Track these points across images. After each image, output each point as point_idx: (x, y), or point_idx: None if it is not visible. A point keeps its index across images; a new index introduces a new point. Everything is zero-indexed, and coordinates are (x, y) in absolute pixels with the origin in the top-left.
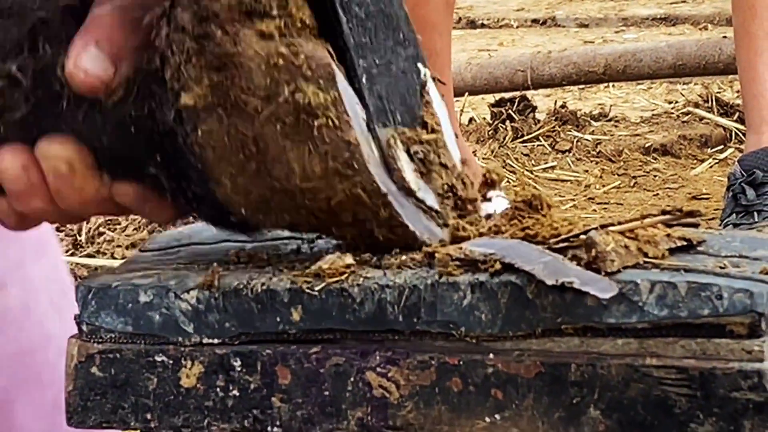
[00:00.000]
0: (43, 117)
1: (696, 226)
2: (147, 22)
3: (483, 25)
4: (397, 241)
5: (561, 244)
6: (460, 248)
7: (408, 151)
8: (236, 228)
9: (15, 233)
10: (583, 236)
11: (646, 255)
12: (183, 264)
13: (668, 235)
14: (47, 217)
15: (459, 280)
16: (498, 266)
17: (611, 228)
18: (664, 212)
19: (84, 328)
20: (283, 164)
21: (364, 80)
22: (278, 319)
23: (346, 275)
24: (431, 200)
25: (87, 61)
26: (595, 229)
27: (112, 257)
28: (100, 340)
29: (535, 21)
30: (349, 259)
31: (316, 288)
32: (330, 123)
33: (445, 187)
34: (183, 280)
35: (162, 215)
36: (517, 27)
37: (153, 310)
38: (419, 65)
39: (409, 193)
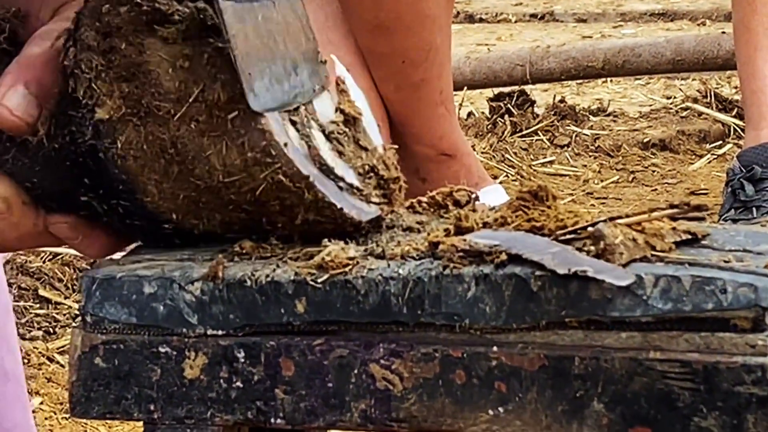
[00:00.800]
0: None
1: (703, 219)
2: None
3: (481, 20)
4: (326, 222)
5: (568, 236)
6: (465, 239)
7: (323, 132)
8: (173, 237)
9: None
10: (591, 228)
11: (653, 248)
12: (187, 255)
13: (674, 229)
14: None
15: (463, 272)
16: (503, 257)
17: (619, 221)
18: (671, 206)
19: (88, 318)
20: (204, 162)
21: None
22: (282, 311)
23: (350, 267)
24: (351, 177)
25: (13, 101)
26: (603, 221)
27: None
28: (104, 331)
29: (533, 16)
30: (352, 251)
31: (321, 280)
32: (242, 114)
33: (366, 167)
34: (187, 271)
35: (94, 246)
36: (515, 21)
37: (157, 302)
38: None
39: (328, 172)
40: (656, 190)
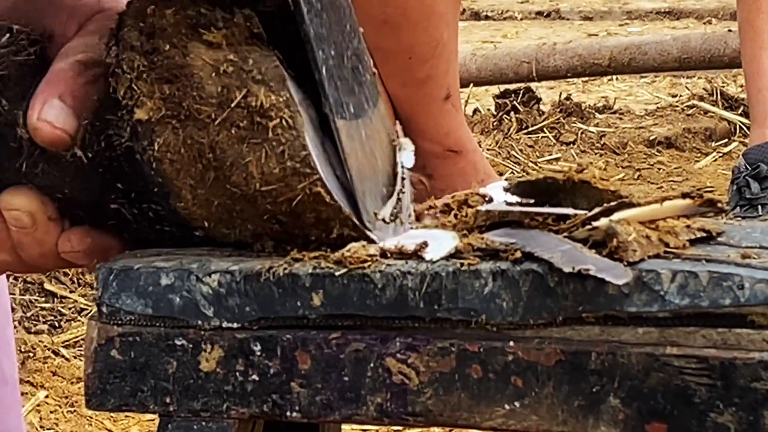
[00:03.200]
0: (2, 172)
1: (722, 211)
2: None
3: (487, 17)
4: (351, 239)
5: (581, 229)
6: (482, 238)
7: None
8: (202, 246)
9: None
10: (604, 225)
11: (667, 245)
12: (206, 249)
13: (688, 226)
14: (11, 269)
15: (480, 267)
16: (518, 255)
17: (631, 212)
18: (684, 195)
19: (104, 309)
20: (241, 169)
21: (324, 71)
22: (299, 304)
23: (369, 264)
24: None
25: (51, 114)
26: (616, 209)
27: None
28: (120, 323)
29: (539, 13)
30: (372, 249)
31: (338, 273)
32: (284, 123)
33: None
34: (205, 263)
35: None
36: (521, 19)
37: (174, 293)
38: (365, 57)
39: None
40: (662, 187)
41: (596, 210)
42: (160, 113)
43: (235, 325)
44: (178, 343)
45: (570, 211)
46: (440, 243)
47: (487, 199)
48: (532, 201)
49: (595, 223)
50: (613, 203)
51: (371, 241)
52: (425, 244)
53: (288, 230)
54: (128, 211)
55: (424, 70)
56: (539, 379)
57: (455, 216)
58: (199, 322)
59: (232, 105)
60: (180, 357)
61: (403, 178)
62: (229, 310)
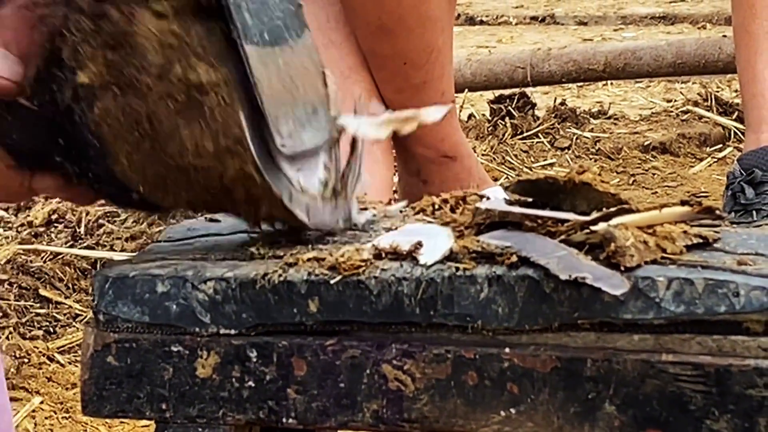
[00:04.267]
0: None
1: (720, 218)
2: (47, 14)
3: (482, 22)
4: (280, 217)
5: (580, 236)
6: (477, 241)
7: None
8: (138, 206)
9: None
10: (602, 230)
11: (664, 251)
12: (200, 255)
13: (685, 232)
14: None
15: (476, 273)
16: (514, 259)
17: (630, 218)
18: (682, 202)
19: (101, 317)
20: (176, 142)
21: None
22: (295, 311)
23: (363, 268)
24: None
25: None
26: (615, 215)
27: (112, 249)
28: (117, 330)
29: (533, 18)
30: (366, 253)
31: (334, 280)
32: (221, 101)
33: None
34: (200, 270)
35: (83, 198)
36: (516, 24)
37: (170, 300)
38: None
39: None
40: (656, 193)
41: (595, 215)
42: (102, 79)
43: (232, 331)
44: (175, 349)
45: (570, 215)
46: (435, 242)
47: (486, 197)
48: (531, 200)
49: (593, 228)
50: (612, 209)
51: (300, 222)
52: (420, 244)
53: (219, 202)
54: (70, 167)
55: (419, 75)
56: (535, 386)
57: (452, 210)
58: (196, 329)
59: (172, 77)
60: (176, 363)
61: (354, 150)
62: (226, 316)
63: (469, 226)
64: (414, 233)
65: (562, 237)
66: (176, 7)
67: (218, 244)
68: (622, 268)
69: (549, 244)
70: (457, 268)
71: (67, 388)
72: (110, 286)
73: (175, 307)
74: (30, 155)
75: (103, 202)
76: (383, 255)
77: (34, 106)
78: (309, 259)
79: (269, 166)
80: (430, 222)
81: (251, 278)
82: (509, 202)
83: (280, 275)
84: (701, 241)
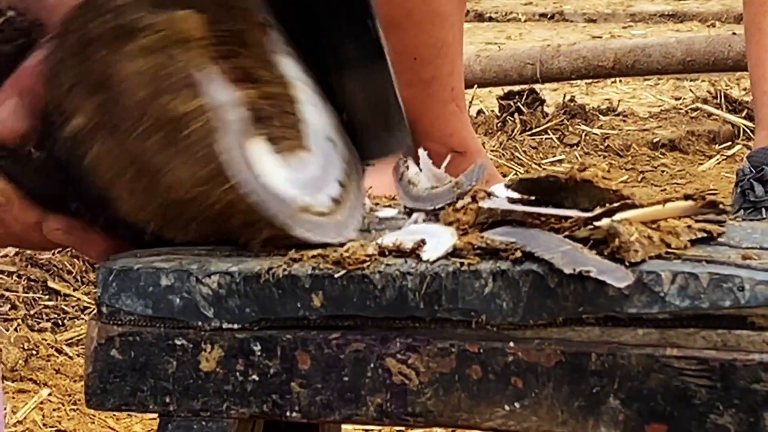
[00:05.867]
0: None
1: (724, 213)
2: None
3: (491, 19)
4: (282, 239)
5: (584, 232)
6: (482, 237)
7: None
8: (159, 246)
9: None
10: (606, 225)
11: (668, 246)
12: (204, 249)
13: (689, 226)
14: (3, 241)
15: (480, 268)
16: (518, 254)
17: (633, 213)
18: (686, 197)
19: (104, 310)
20: (168, 176)
21: None
22: (299, 305)
23: (367, 263)
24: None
25: (4, 114)
26: (618, 210)
27: None
28: (120, 323)
29: (542, 15)
30: (370, 249)
31: (338, 274)
32: (200, 130)
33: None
34: (204, 264)
35: (93, 249)
36: (525, 21)
37: (174, 294)
38: None
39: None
40: (665, 190)
41: (598, 210)
42: (93, 122)
43: (236, 325)
44: (178, 343)
45: (572, 212)
46: (438, 240)
47: (488, 195)
48: (533, 198)
49: (597, 223)
50: (615, 204)
51: (299, 240)
52: (423, 242)
53: (224, 232)
54: (86, 213)
55: (428, 71)
56: (539, 380)
57: (455, 210)
58: (199, 323)
59: (154, 112)
60: (180, 357)
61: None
62: (229, 311)
63: (472, 225)
64: (417, 232)
65: (566, 233)
66: (155, 41)
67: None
68: (627, 263)
69: (553, 239)
70: (462, 263)
71: (75, 380)
72: (114, 279)
73: (178, 300)
74: (47, 200)
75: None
76: (386, 253)
77: (42, 156)
78: (314, 255)
79: (262, 190)
80: (433, 221)
81: (255, 272)
82: (512, 201)
83: (284, 270)
84: (705, 235)
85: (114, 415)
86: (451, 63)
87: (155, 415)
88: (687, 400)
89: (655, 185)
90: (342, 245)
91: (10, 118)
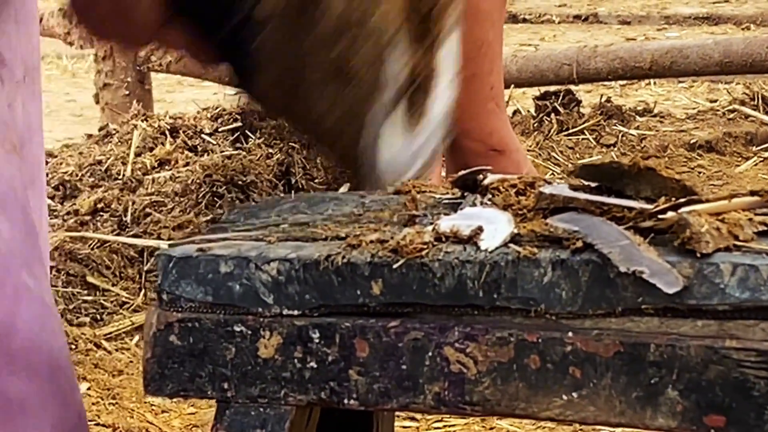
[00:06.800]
0: None
1: None
2: None
3: (525, 20)
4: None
5: (648, 222)
6: (545, 224)
7: None
8: (254, 96)
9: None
10: (675, 216)
11: (736, 237)
12: (263, 236)
13: (750, 220)
14: (112, 27)
15: (540, 257)
16: (579, 245)
17: (700, 206)
18: (752, 193)
19: (164, 296)
20: (316, 95)
21: None
22: (358, 292)
23: (426, 251)
24: None
25: None
26: (684, 204)
27: (159, 238)
28: (180, 309)
29: (576, 17)
30: (427, 236)
31: (397, 263)
32: (366, 75)
33: None
34: (263, 251)
35: (206, 56)
36: (559, 22)
37: (233, 281)
38: None
39: None
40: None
41: (664, 204)
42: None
43: (295, 312)
44: (237, 329)
45: (636, 203)
46: (495, 228)
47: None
48: (595, 185)
49: (662, 216)
50: (681, 198)
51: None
52: (480, 228)
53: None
54: (227, 36)
55: (468, 69)
56: (597, 370)
57: (516, 194)
58: (259, 309)
59: (340, 38)
60: (239, 343)
61: None
62: (289, 297)
63: (531, 210)
64: (474, 217)
65: (630, 224)
66: None
67: (281, 225)
68: (698, 255)
69: (614, 231)
70: (521, 252)
71: (113, 375)
72: (174, 266)
73: (238, 287)
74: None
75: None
76: (444, 239)
77: None
78: (372, 241)
79: (378, 148)
80: (490, 205)
81: (314, 259)
82: (573, 188)
83: (343, 257)
84: (766, 228)
85: (152, 409)
86: (491, 62)
87: (194, 410)
88: (745, 391)
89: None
90: (401, 229)
91: None
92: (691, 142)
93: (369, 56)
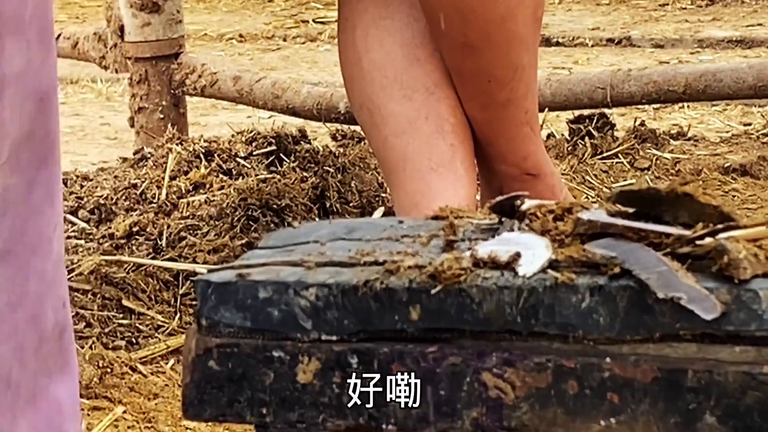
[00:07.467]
0: None
1: None
2: None
3: (558, 43)
4: None
5: (685, 248)
6: (583, 249)
7: None
8: None
9: None
10: (709, 240)
11: None
12: (300, 261)
13: None
14: None
15: (578, 282)
16: (617, 270)
17: (737, 232)
18: None
19: (203, 322)
20: None
21: None
22: (396, 318)
23: (464, 276)
24: None
25: None
26: (722, 231)
27: (194, 261)
28: (219, 335)
29: (609, 40)
30: (465, 262)
31: (435, 289)
32: None
33: None
34: (302, 277)
35: None
36: (592, 46)
37: (272, 306)
38: None
39: None
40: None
41: (701, 230)
42: None
43: (334, 337)
44: (276, 354)
45: (674, 229)
46: (533, 253)
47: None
48: (632, 211)
49: (699, 242)
50: (719, 225)
51: None
52: (518, 254)
53: None
54: None
55: (503, 93)
56: (635, 396)
57: (554, 219)
58: (298, 335)
59: None
60: (277, 369)
61: None
62: (328, 323)
63: (569, 235)
64: (512, 243)
65: (668, 250)
66: None
67: (318, 251)
68: (736, 281)
69: (651, 257)
70: (558, 278)
71: (149, 398)
72: (213, 292)
73: (277, 312)
74: None
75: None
76: (481, 264)
77: None
78: (410, 266)
79: None
80: (527, 230)
81: (353, 285)
82: (611, 213)
83: (381, 282)
84: None
85: None
86: (526, 86)
87: None
88: None
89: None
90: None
91: None
92: (725, 165)
93: None
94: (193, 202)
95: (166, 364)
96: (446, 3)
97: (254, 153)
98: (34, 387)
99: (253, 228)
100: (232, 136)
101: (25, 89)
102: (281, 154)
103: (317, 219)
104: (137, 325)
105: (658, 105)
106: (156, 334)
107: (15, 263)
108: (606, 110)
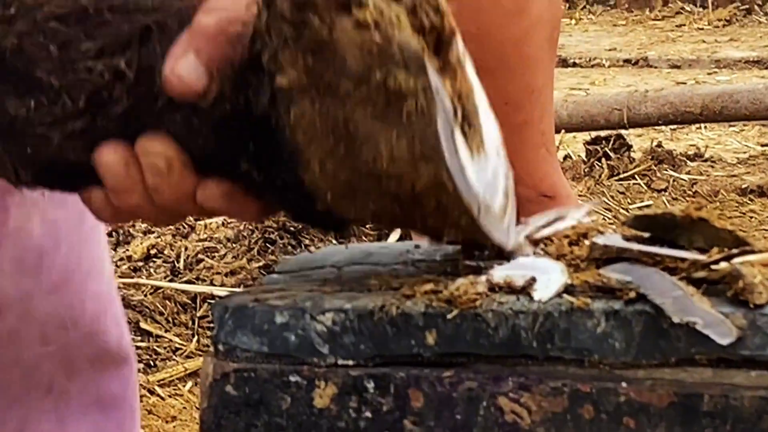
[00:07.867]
0: (142, 114)
1: None
2: (243, 33)
3: (575, 64)
4: (468, 231)
5: (700, 273)
6: (598, 274)
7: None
8: (318, 221)
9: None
10: (725, 264)
11: None
12: (317, 286)
13: None
14: (141, 213)
15: (593, 307)
16: (632, 295)
17: (752, 257)
18: None
19: (220, 347)
20: (371, 147)
21: None
22: (412, 342)
23: (479, 301)
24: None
25: (183, 69)
26: (737, 255)
27: (211, 284)
28: (236, 359)
29: (626, 61)
30: (481, 286)
31: (451, 314)
32: (419, 108)
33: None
34: (318, 301)
35: (248, 213)
36: (609, 66)
37: (289, 331)
38: None
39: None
40: (754, 236)
41: (717, 255)
42: (300, 83)
43: (350, 362)
44: (293, 379)
45: (689, 254)
46: (549, 278)
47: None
48: (648, 236)
49: (715, 267)
50: (734, 249)
51: (485, 236)
52: (533, 279)
53: (407, 214)
54: (257, 174)
55: (520, 116)
56: (651, 420)
57: (569, 244)
58: (314, 360)
59: (371, 83)
60: (294, 393)
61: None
62: (344, 347)
63: (585, 260)
64: (527, 267)
65: (683, 275)
66: (377, 19)
67: (335, 276)
68: (752, 305)
69: (666, 282)
70: (574, 302)
71: (166, 421)
72: (230, 317)
73: (293, 337)
74: (212, 160)
75: (203, 238)
76: (497, 289)
77: (224, 114)
78: (425, 292)
79: (459, 178)
80: (543, 255)
81: (369, 310)
82: (626, 238)
83: (397, 307)
84: None
85: None
86: (542, 108)
87: None
88: None
89: (744, 231)
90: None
91: (189, 74)
92: (743, 186)
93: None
94: (210, 224)
95: (184, 386)
96: (461, 26)
97: None
98: (89, 392)
99: (270, 250)
100: None
101: None
102: None
103: (334, 242)
104: (155, 347)
105: (675, 126)
106: (174, 357)
107: (72, 290)
108: (623, 131)
